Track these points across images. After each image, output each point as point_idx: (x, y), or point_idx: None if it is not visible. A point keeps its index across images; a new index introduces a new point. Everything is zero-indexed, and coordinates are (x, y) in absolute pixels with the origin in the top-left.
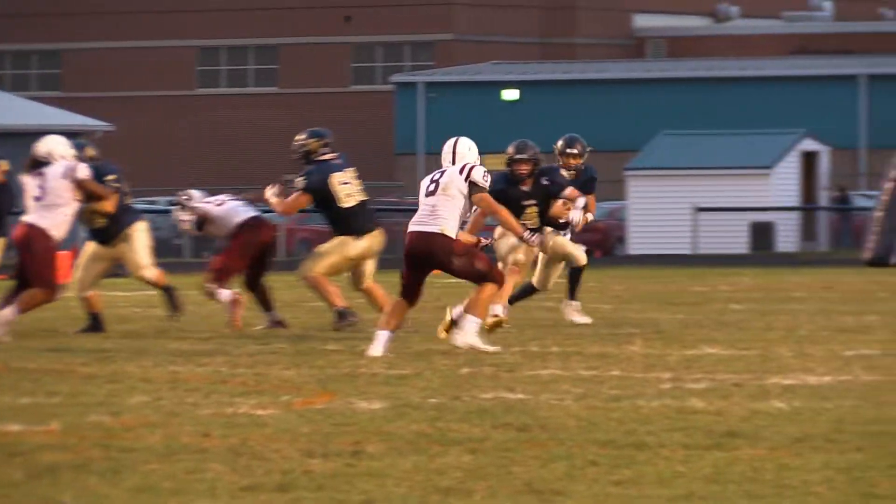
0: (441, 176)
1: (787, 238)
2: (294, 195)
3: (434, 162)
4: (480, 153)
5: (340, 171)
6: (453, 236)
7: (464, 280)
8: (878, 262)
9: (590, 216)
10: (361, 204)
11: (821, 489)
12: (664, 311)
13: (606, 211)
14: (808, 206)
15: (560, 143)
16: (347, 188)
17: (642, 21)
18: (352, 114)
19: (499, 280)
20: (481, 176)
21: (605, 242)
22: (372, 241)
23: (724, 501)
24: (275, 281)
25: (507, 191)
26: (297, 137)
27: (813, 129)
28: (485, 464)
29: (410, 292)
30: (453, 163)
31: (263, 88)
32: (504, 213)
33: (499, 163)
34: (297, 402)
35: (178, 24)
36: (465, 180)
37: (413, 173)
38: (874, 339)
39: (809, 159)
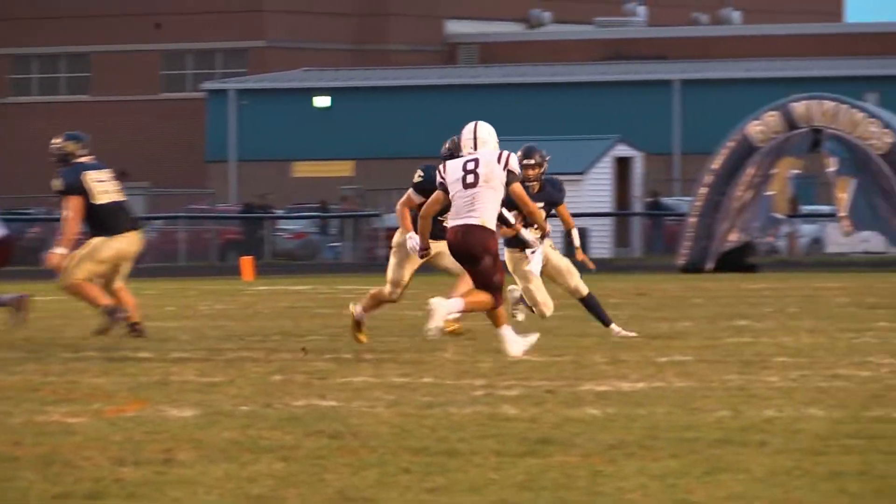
0: (476, 166)
1: (600, 244)
2: (65, 203)
3: (245, 170)
4: (293, 160)
5: (95, 170)
6: (493, 228)
7: (466, 277)
8: (693, 268)
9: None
10: (118, 204)
11: (635, 496)
12: (478, 318)
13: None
14: (620, 213)
15: (518, 153)
16: (102, 186)
17: (454, 27)
18: (163, 121)
19: (497, 299)
20: (517, 164)
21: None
22: (128, 242)
23: None
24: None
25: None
26: (53, 141)
27: (627, 134)
28: (297, 471)
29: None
30: (475, 148)
31: (75, 97)
32: (533, 205)
33: (311, 169)
34: (108, 409)
35: None
36: (504, 168)
37: (224, 181)
38: (688, 345)
39: (623, 165)
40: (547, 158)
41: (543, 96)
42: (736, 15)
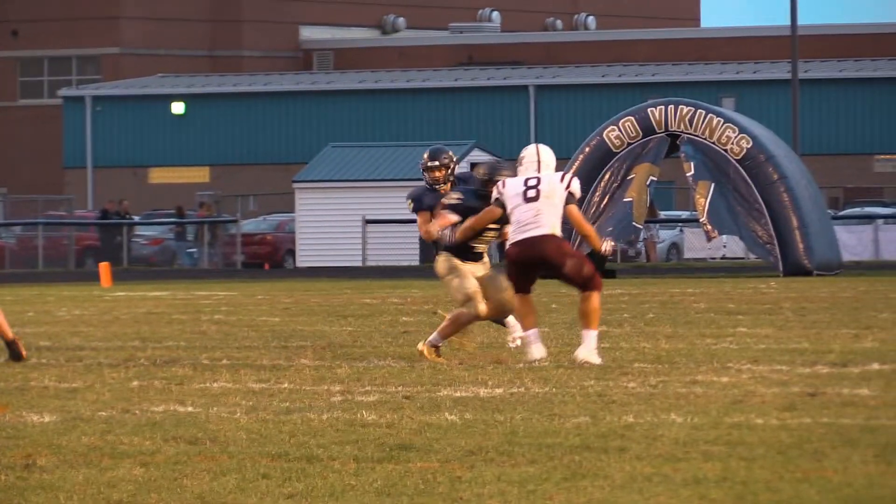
0: (538, 183)
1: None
2: None
3: (103, 176)
4: (149, 166)
5: None
6: (560, 235)
7: (567, 282)
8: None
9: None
10: None
11: (494, 502)
12: (334, 324)
13: (274, 223)
14: None
15: (424, 155)
16: None
17: (308, 33)
18: (20, 128)
19: (599, 286)
20: (579, 188)
21: (273, 255)
22: None
23: None
24: None
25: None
26: None
27: (483, 140)
28: (156, 477)
29: (525, 288)
30: (538, 170)
31: None
32: (589, 228)
33: (167, 175)
34: None
35: None
36: (566, 189)
37: (83, 186)
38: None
39: None
40: (455, 160)
41: (399, 102)
42: (591, 20)
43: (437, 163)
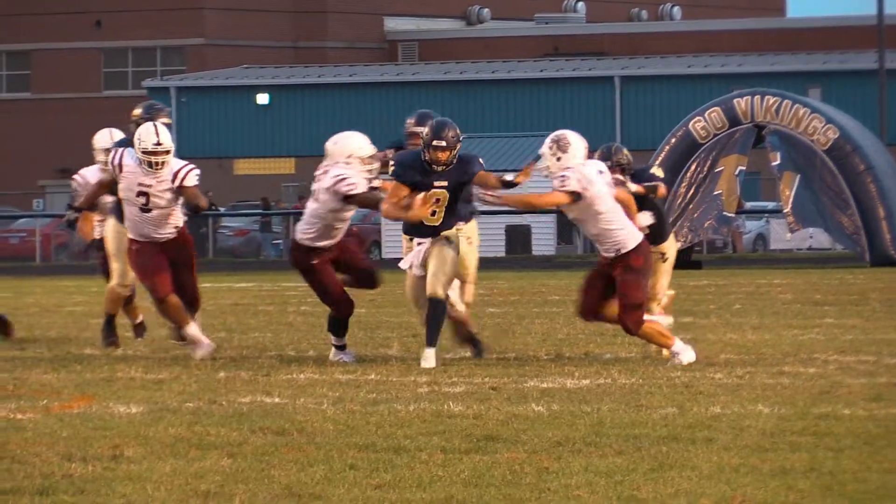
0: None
1: (543, 241)
2: None
3: None
4: (234, 157)
5: None
6: None
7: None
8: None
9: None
10: None
11: (582, 493)
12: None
13: (360, 215)
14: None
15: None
16: None
17: (393, 24)
18: (106, 118)
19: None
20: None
21: (361, 246)
22: None
23: None
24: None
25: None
26: None
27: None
28: (244, 468)
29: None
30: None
31: (16, 94)
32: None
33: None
34: (55, 406)
35: None
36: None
37: None
38: (631, 342)
39: None
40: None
41: (483, 93)
42: (676, 10)
43: (443, 143)
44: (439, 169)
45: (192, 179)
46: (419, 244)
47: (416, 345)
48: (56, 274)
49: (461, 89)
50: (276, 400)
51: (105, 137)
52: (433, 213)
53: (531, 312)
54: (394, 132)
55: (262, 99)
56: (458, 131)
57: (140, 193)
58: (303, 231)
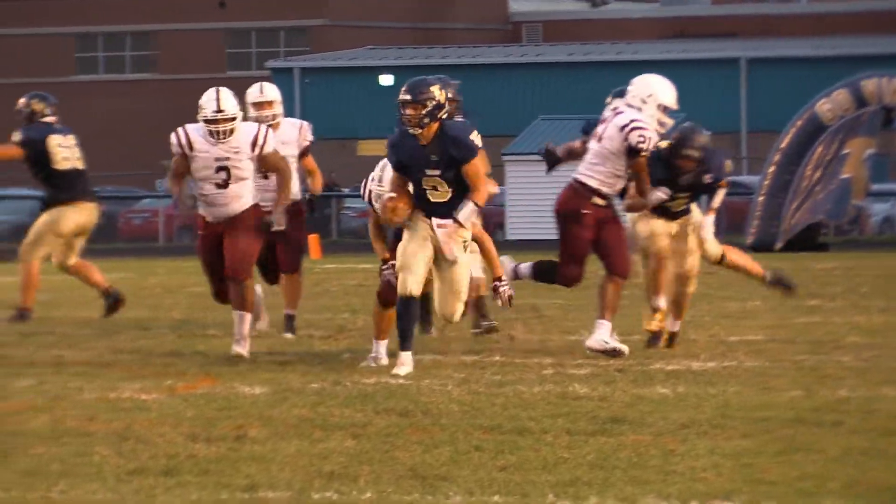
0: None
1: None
2: (5, 145)
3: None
4: (358, 138)
5: (61, 135)
6: None
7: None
8: (762, 246)
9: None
10: (77, 172)
11: (708, 475)
12: (543, 297)
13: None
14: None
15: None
16: (65, 152)
17: (518, 6)
18: None
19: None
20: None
21: (484, 228)
22: (87, 214)
23: (610, 487)
24: (158, 267)
25: None
26: (20, 101)
27: (693, 113)
28: (368, 449)
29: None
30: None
31: (141, 75)
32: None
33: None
34: (179, 386)
35: (56, 12)
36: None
37: None
38: (758, 324)
39: None
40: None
41: (609, 75)
42: None
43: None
44: (415, 132)
45: (271, 144)
46: (439, 226)
47: (540, 327)
48: (179, 255)
49: (586, 71)
50: (401, 381)
51: (255, 91)
52: (435, 189)
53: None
54: (517, 114)
55: (386, 80)
56: (434, 90)
57: (220, 169)
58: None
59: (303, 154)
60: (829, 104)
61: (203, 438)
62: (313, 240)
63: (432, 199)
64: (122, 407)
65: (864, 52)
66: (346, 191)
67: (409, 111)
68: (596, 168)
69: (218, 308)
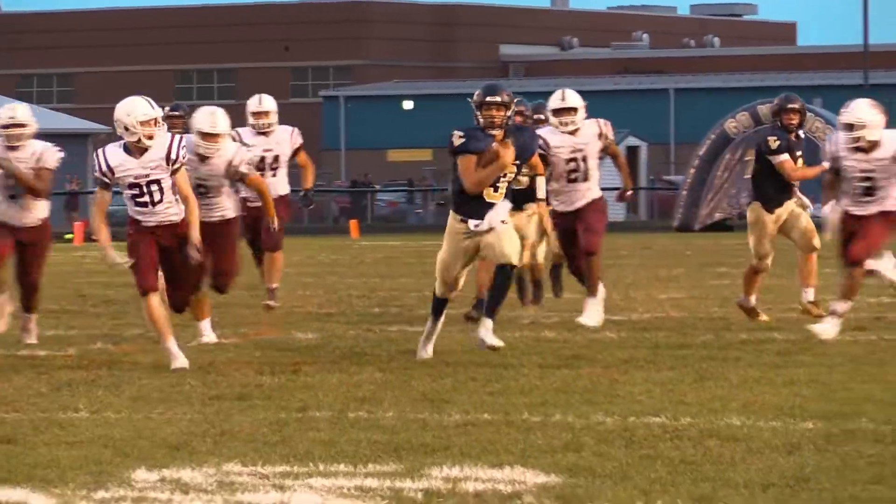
0: None
1: (615, 210)
2: None
3: (352, 156)
4: (387, 148)
5: None
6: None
7: None
8: (684, 228)
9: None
10: None
11: (643, 398)
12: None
13: None
14: (632, 188)
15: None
16: None
17: (506, 49)
18: (291, 119)
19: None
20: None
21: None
22: None
23: (570, 407)
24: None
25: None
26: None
27: (635, 129)
28: (391, 379)
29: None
30: None
31: (225, 101)
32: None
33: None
34: (250, 333)
35: (159, 53)
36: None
37: (337, 163)
38: (681, 285)
39: (632, 152)
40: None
41: None
42: (716, 40)
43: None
44: (495, 133)
45: (53, 161)
46: (476, 225)
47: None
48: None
49: None
50: (417, 329)
51: (254, 102)
52: (495, 189)
53: (606, 264)
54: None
55: (408, 105)
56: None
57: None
58: None
59: (296, 152)
60: (735, 123)
61: (268, 372)
62: (353, 224)
63: (487, 199)
64: (206, 349)
65: (760, 84)
66: (377, 186)
67: (494, 112)
68: None
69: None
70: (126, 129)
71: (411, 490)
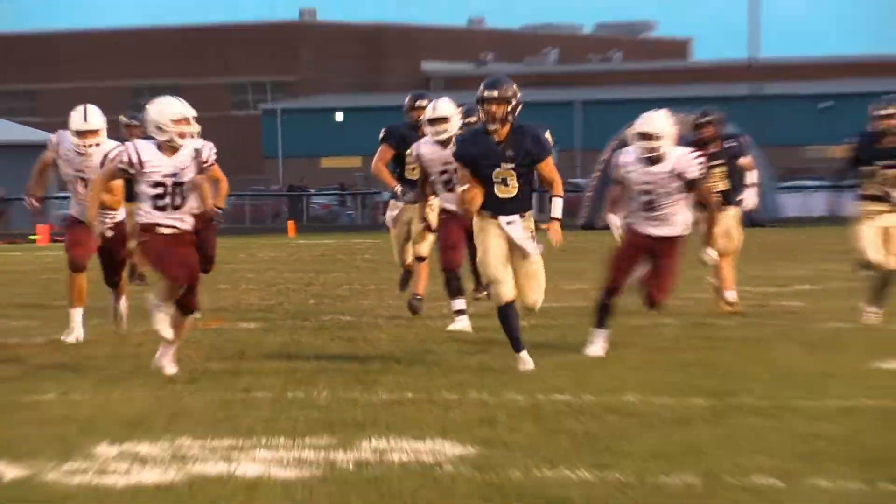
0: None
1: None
2: None
3: (289, 162)
4: (320, 156)
5: None
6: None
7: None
8: (588, 226)
9: None
10: None
11: (550, 378)
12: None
13: None
14: (539, 190)
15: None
16: None
17: (428, 66)
18: (234, 130)
19: None
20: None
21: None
22: None
23: (485, 386)
24: None
25: None
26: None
27: None
28: (326, 365)
29: None
30: None
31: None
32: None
33: (333, 163)
34: (200, 323)
35: (116, 70)
36: None
37: (275, 169)
38: (586, 277)
39: None
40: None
41: None
42: (617, 56)
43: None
44: (493, 128)
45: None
46: (509, 223)
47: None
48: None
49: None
50: (348, 318)
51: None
52: (505, 184)
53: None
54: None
55: (339, 117)
56: (515, 88)
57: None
58: None
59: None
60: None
61: (215, 358)
62: (290, 224)
63: (500, 196)
64: (157, 338)
65: (658, 96)
66: (312, 191)
67: (493, 108)
68: None
69: (221, 269)
70: (159, 128)
71: (344, 461)
